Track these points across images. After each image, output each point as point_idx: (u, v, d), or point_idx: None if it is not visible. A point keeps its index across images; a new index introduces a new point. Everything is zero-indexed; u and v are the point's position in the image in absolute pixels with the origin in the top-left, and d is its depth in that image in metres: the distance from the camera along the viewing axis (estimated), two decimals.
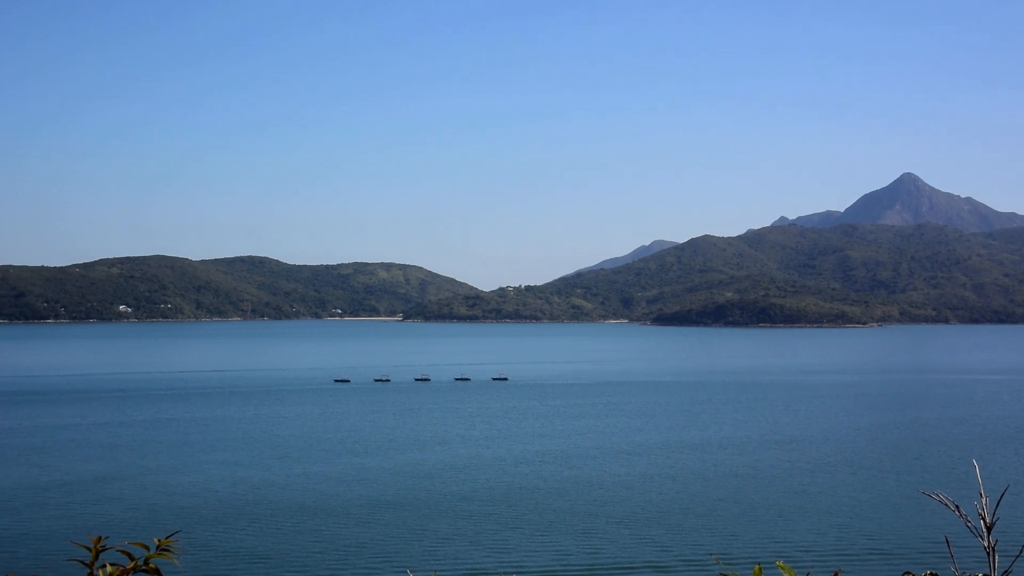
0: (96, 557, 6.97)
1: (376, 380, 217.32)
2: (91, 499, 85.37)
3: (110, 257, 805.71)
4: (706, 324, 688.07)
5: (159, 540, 6.99)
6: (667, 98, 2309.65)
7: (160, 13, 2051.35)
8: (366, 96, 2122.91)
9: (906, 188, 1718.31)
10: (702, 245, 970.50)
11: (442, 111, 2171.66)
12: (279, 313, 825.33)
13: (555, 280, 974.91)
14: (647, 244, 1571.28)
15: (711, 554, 66.79)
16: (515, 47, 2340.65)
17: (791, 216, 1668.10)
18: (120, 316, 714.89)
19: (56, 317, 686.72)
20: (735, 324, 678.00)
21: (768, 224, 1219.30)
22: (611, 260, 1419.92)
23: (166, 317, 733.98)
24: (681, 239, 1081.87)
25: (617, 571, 63.89)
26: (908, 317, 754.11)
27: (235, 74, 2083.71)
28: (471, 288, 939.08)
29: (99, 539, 7.05)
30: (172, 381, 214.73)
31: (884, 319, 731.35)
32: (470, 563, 65.04)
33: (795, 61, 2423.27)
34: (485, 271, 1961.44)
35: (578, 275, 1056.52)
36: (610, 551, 68.50)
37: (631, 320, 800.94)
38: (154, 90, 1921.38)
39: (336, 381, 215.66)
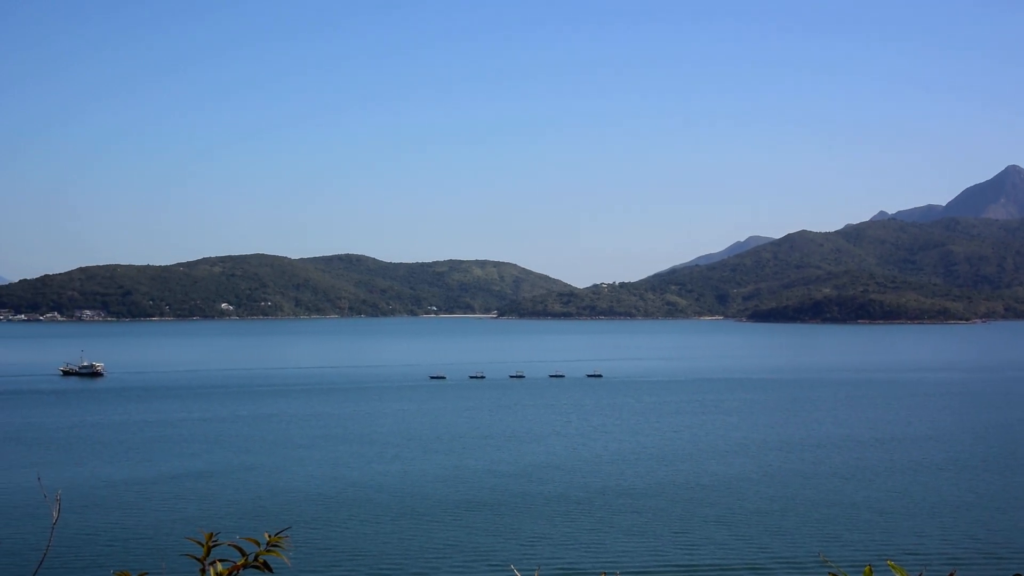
0: (208, 553, 7.05)
1: (471, 377, 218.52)
2: (196, 494, 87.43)
3: (212, 256, 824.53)
4: (803, 320, 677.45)
5: (269, 536, 7.03)
6: (766, 92, 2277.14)
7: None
8: (461, 94, 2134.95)
9: (1011, 180, 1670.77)
10: (799, 241, 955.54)
11: (537, 110, 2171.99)
12: (376, 311, 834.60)
13: (649, 277, 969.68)
14: (742, 240, 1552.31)
15: (819, 553, 65.73)
16: (611, 48, 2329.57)
17: (891, 211, 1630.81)
18: (222, 313, 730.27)
19: (161, 314, 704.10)
20: (833, 320, 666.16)
21: (867, 219, 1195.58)
22: (706, 256, 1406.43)
23: (266, 315, 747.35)
24: (777, 235, 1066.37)
25: (715, 571, 63.36)
26: (1013, 313, 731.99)
27: (322, 61, 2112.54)
28: (565, 285, 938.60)
29: (211, 535, 7.14)
30: (273, 378, 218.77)
31: (988, 315, 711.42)
32: (566, 561, 65.05)
33: (897, 50, 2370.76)
34: (579, 268, 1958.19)
35: (672, 271, 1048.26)
36: (707, 550, 67.94)
37: (726, 317, 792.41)
38: (241, 93, 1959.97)
39: (432, 378, 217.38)
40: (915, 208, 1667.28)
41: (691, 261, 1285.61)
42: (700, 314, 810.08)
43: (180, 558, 7.01)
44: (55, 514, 9.55)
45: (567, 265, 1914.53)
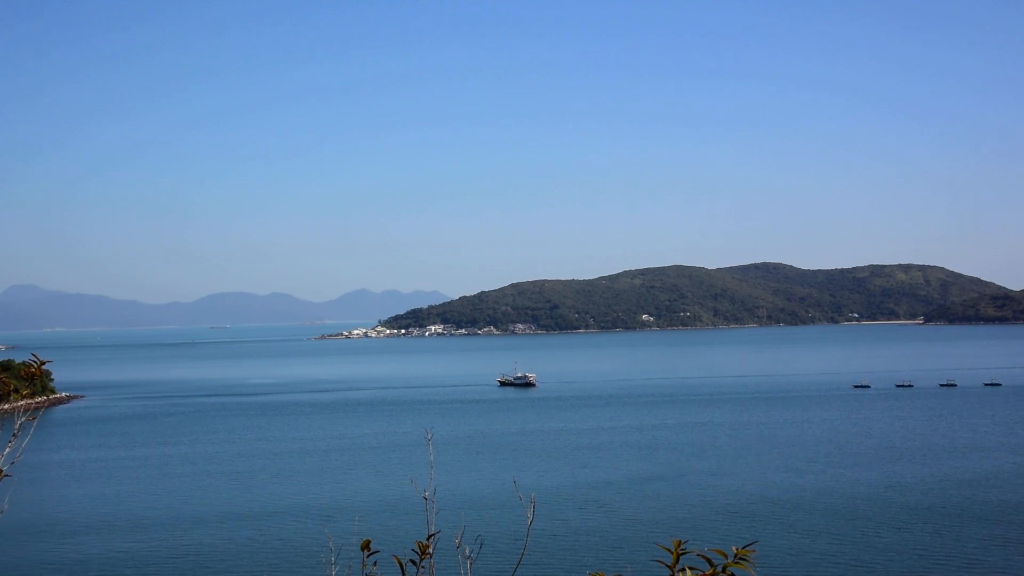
0: (677, 560, 7.28)
1: (898, 386, 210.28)
2: (633, 497, 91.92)
3: (633, 269, 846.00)
4: None
5: (737, 549, 7.39)
6: None
7: None
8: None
9: None
10: None
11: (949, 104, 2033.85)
12: (794, 319, 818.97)
13: None
14: None
15: None
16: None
17: None
18: (643, 324, 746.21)
19: (586, 327, 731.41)
20: None
21: None
22: None
23: (685, 325, 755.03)
24: None
25: None
26: None
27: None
28: (999, 287, 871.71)
29: (679, 543, 7.38)
30: (696, 386, 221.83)
31: None
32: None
33: None
34: (1016, 268, 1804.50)
35: None
36: None
37: None
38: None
39: (855, 387, 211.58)
40: None
41: None
42: None
43: (652, 563, 8.01)
44: (530, 515, 10.52)
45: (1001, 266, 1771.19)
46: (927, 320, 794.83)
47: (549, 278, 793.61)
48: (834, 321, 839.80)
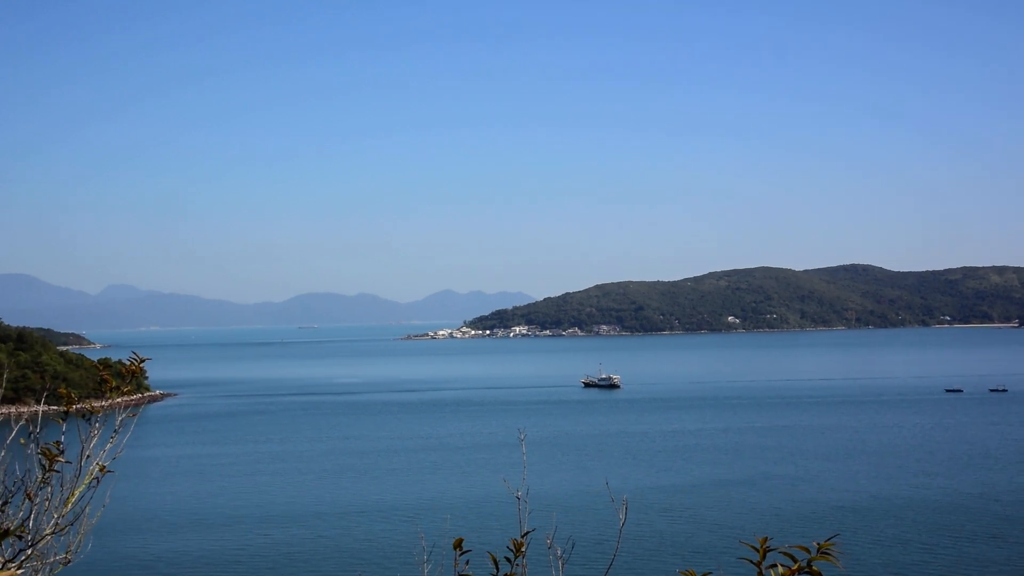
0: (763, 557, 7.36)
1: (992, 390, 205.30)
2: (718, 502, 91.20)
3: (718, 270, 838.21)
4: None
5: (818, 543, 7.29)
6: None
7: None
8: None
9: None
10: None
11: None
12: (884, 321, 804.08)
13: None
14: None
15: None
16: None
17: None
18: (729, 327, 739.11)
19: (671, 328, 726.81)
20: None
21: None
22: None
23: (771, 327, 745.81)
24: None
25: None
26: None
27: None
28: None
29: (765, 540, 7.46)
30: (782, 389, 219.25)
31: None
32: None
33: None
34: None
35: None
36: None
37: None
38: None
39: (947, 391, 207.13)
40: None
41: None
42: None
43: (739, 562, 8.32)
44: (622, 517, 10.45)
45: None
46: (1022, 323, 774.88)
47: (634, 279, 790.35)
48: (925, 324, 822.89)
